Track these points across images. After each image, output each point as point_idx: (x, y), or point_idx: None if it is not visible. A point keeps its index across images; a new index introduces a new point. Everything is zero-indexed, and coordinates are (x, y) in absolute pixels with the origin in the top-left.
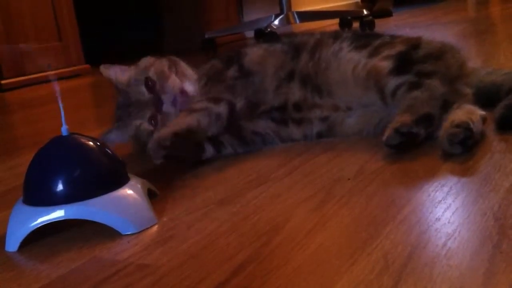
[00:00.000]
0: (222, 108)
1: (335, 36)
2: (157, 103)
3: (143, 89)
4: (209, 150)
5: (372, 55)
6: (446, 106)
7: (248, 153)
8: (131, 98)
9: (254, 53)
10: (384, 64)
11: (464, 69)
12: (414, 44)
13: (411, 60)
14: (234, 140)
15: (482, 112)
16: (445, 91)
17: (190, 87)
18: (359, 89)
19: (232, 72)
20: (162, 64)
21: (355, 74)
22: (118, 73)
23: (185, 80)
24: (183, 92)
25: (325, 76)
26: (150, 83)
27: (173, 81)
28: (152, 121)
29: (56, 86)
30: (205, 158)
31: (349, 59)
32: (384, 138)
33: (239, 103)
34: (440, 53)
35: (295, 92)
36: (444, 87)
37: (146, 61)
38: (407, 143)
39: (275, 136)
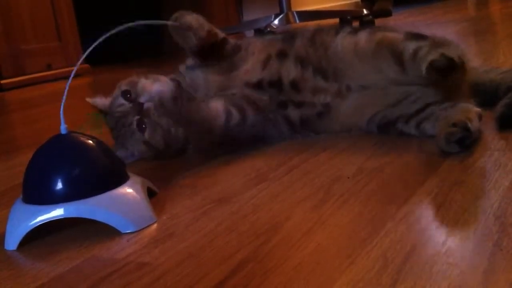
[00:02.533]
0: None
1: (333, 27)
2: (138, 106)
3: (123, 100)
4: (235, 116)
5: (374, 32)
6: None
7: (246, 152)
8: (116, 116)
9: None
10: (395, 34)
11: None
12: (417, 33)
13: (421, 37)
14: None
15: (478, 109)
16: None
17: (160, 84)
18: (364, 63)
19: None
20: (131, 76)
21: (358, 48)
22: (103, 99)
23: (155, 81)
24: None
25: (328, 60)
26: (128, 94)
27: (143, 83)
28: (143, 125)
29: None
30: (232, 123)
31: (348, 41)
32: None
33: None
34: (446, 42)
35: (291, 70)
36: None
37: (121, 81)
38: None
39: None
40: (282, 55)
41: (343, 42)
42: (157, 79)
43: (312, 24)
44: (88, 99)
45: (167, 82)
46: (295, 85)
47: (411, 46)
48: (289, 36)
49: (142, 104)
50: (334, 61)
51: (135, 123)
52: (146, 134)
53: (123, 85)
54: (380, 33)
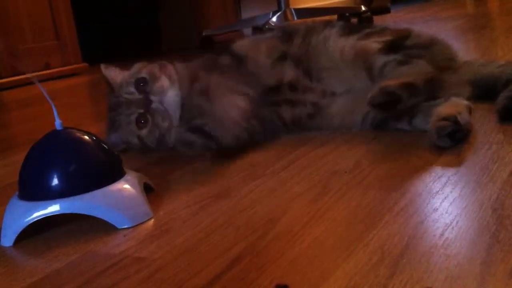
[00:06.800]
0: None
1: (326, 24)
2: (147, 102)
3: (133, 89)
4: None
5: (361, 39)
6: (431, 85)
7: (243, 148)
8: (121, 99)
9: (243, 41)
10: (373, 45)
11: (454, 63)
12: (404, 35)
13: (400, 45)
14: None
15: (467, 103)
16: (431, 70)
17: (174, 90)
18: (347, 70)
19: (223, 59)
20: (153, 66)
21: (343, 55)
22: (116, 73)
23: (173, 84)
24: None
25: (314, 61)
26: (141, 83)
27: (163, 81)
28: (142, 120)
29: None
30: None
31: (337, 44)
32: (369, 97)
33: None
34: (429, 44)
35: (289, 72)
36: (431, 68)
37: (138, 64)
38: (390, 103)
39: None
40: (283, 58)
41: (333, 44)
42: (174, 82)
43: (310, 21)
44: (102, 68)
45: (182, 87)
46: (292, 86)
47: (380, 61)
48: (288, 33)
49: (151, 101)
50: (319, 62)
51: (136, 115)
52: (143, 131)
53: (143, 72)
54: (362, 42)
